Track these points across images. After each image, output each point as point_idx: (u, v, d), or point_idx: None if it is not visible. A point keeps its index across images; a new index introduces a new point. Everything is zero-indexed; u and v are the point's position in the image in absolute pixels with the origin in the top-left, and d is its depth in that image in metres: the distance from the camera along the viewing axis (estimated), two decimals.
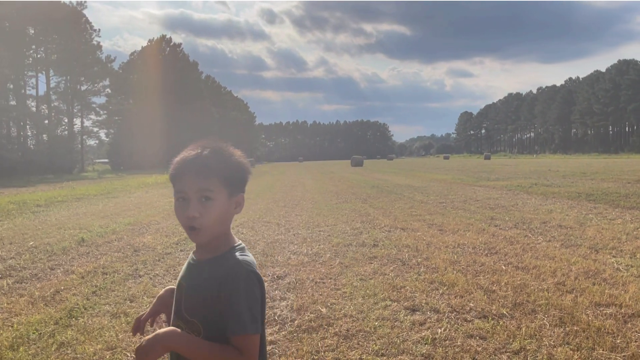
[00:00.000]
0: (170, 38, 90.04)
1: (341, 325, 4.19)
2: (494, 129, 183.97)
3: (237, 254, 1.51)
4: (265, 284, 5.76)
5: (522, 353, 3.51)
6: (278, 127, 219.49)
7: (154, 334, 1.38)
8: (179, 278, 1.58)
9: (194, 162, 1.48)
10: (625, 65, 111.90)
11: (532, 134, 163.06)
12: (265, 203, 15.10)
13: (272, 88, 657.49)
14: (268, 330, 4.15)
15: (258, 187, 24.12)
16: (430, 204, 12.83)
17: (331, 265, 6.41)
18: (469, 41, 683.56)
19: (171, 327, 1.43)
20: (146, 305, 4.88)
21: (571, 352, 3.47)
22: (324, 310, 4.59)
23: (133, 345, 3.83)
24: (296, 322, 4.32)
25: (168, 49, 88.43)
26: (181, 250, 7.76)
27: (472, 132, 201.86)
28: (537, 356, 3.45)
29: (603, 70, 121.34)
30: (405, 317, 4.28)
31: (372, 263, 6.41)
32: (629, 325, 3.88)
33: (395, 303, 4.68)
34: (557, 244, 7.06)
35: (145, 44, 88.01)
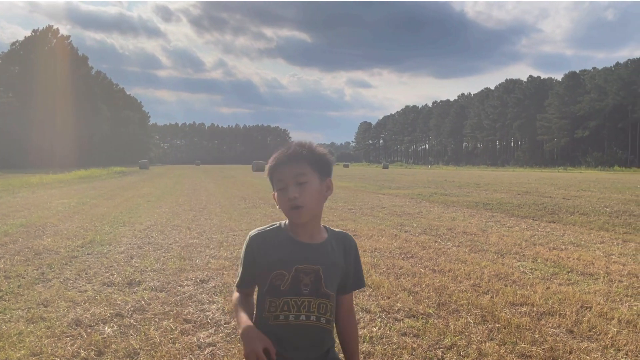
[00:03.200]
0: (58, 29, 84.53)
1: None
2: (391, 140, 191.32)
3: (334, 229, 1.92)
4: (189, 287, 5.64)
5: (455, 348, 3.74)
6: (173, 128, 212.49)
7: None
8: (297, 263, 1.78)
9: (285, 154, 1.77)
10: (511, 84, 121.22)
11: (427, 146, 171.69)
12: (170, 206, 14.65)
13: (167, 87, 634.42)
14: (204, 333, 4.08)
15: (157, 189, 23.33)
16: (340, 210, 13.14)
17: None
18: (368, 52, 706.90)
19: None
20: (64, 310, 4.60)
21: (497, 346, 3.75)
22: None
23: (60, 351, 3.61)
24: (231, 324, 4.27)
25: (55, 40, 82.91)
26: (88, 254, 7.34)
27: (370, 141, 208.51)
28: (468, 351, 3.69)
29: (492, 88, 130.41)
30: None
31: None
32: (542, 322, 4.26)
33: None
34: (466, 249, 7.56)
35: (26, 33, 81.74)
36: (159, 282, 5.72)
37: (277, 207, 1.85)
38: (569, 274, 5.90)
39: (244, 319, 1.77)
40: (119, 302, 4.87)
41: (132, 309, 4.68)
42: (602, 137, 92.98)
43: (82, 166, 58.00)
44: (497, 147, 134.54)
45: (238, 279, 1.92)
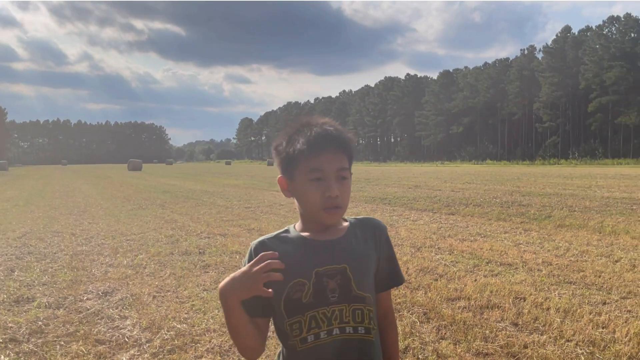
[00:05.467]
0: None
1: (210, 341, 3.72)
2: (274, 136, 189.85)
3: (355, 217, 1.58)
4: (92, 301, 4.90)
5: (410, 351, 3.51)
6: (34, 125, 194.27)
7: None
8: (316, 266, 1.41)
9: (336, 140, 1.42)
10: (390, 82, 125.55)
11: None
12: (44, 211, 13.17)
13: (25, 81, 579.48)
14: (125, 355, 3.48)
15: (24, 192, 21.09)
16: (237, 209, 12.58)
17: (162, 277, 5.75)
18: (247, 47, 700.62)
19: None
20: None
21: (453, 346, 3.57)
22: (181, 326, 4.04)
23: None
24: (155, 342, 3.70)
25: None
26: None
27: (252, 138, 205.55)
28: (425, 353, 3.47)
29: (372, 85, 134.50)
30: None
31: (207, 272, 5.94)
32: (485, 316, 4.17)
33: None
34: None
35: None
36: (52, 297, 4.92)
37: (287, 196, 1.49)
38: (489, 264, 5.97)
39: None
40: (9, 324, 4.06)
41: (27, 331, 3.92)
42: (474, 133, 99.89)
43: None
44: (379, 142, 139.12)
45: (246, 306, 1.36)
